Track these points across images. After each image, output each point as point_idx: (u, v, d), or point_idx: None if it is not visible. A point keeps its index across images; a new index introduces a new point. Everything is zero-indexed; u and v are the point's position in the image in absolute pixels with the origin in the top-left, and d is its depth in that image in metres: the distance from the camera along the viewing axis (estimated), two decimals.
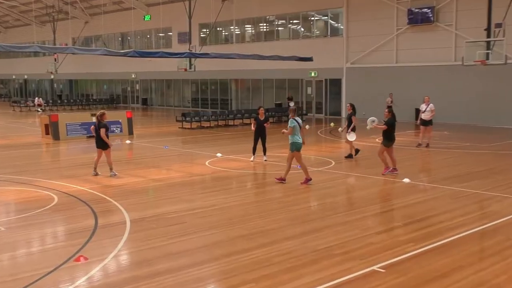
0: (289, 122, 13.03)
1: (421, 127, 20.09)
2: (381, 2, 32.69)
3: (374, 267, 7.09)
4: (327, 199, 11.64)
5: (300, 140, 12.89)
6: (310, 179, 12.99)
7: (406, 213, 10.27)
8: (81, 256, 7.53)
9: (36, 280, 6.70)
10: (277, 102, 38.01)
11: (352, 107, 17.16)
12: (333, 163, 16.22)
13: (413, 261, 7.40)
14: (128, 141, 22.25)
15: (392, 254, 7.68)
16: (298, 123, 12.94)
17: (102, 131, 13.81)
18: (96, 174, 14.03)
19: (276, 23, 39.84)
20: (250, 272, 6.98)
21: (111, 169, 14.10)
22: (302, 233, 8.80)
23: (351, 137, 16.76)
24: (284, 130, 13.20)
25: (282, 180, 13.08)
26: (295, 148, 12.84)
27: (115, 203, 10.98)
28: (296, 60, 30.06)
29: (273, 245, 8.13)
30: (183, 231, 8.95)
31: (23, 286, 6.51)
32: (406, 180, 13.30)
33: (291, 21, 38.60)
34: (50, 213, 10.29)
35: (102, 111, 14.55)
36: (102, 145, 13.98)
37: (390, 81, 32.26)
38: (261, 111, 16.58)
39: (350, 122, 17.00)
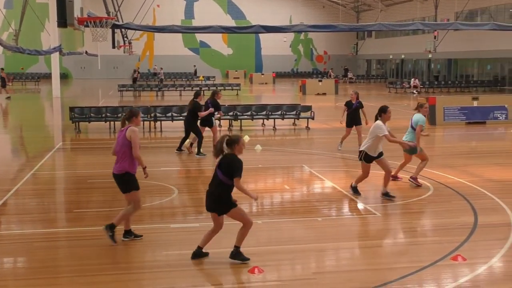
0: None
1: None
2: None
3: None
4: None
5: None
6: None
7: None
8: (459, 255, 7.56)
9: (412, 273, 7.05)
10: None
11: None
12: None
13: None
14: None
15: None
16: None
17: None
18: None
19: None
20: None
21: None
22: None
23: None
24: None
25: None
26: None
27: (498, 200, 10.61)
28: None
29: None
30: None
31: (400, 276, 6.95)
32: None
33: None
34: (425, 204, 10.63)
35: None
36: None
37: None
38: None
39: None
